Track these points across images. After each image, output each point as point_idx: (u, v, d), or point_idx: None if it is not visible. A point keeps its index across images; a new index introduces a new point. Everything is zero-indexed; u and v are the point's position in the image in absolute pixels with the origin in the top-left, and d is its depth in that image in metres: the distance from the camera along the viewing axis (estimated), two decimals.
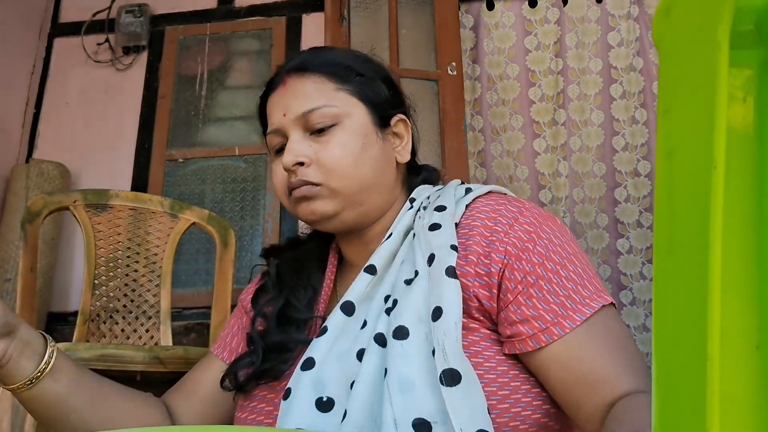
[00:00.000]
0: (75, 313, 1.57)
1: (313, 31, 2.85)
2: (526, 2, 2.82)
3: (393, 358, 0.63)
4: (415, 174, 0.87)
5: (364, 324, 0.70)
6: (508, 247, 0.70)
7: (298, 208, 0.78)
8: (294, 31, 2.91)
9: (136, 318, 1.63)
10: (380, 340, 0.66)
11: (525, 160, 2.71)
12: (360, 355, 0.67)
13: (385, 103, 0.83)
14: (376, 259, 0.74)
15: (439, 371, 0.60)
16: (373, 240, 0.81)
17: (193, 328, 2.53)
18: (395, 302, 0.68)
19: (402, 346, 0.63)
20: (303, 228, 0.92)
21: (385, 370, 0.63)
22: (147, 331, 1.63)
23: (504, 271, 0.69)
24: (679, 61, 0.29)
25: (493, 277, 0.69)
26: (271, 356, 0.77)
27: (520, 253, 0.69)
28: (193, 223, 1.68)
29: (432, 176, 0.88)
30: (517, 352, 0.67)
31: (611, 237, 2.61)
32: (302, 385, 0.66)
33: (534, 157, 2.71)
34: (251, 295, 0.88)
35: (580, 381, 0.64)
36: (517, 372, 0.68)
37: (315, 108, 0.77)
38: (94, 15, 3.03)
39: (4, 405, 1.25)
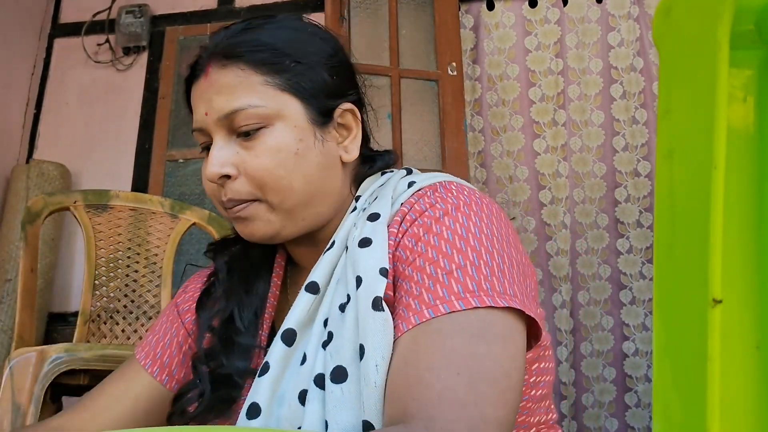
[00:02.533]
0: (75, 314, 1.57)
1: None
2: (527, 2, 2.81)
3: (332, 407, 0.56)
4: (367, 165, 0.75)
5: (304, 359, 0.62)
6: (404, 239, 0.61)
7: (236, 225, 0.69)
8: None
9: (137, 318, 1.63)
10: (320, 382, 0.59)
11: (525, 160, 2.70)
12: (302, 397, 0.60)
13: (328, 93, 0.69)
14: (317, 274, 0.65)
15: (360, 421, 0.54)
16: (323, 242, 0.71)
17: None
18: (330, 335, 0.60)
19: (341, 391, 0.56)
20: None
21: (326, 422, 0.56)
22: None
23: (396, 264, 0.61)
24: (679, 61, 0.29)
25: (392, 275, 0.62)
26: (219, 387, 0.68)
27: (415, 243, 0.60)
28: (194, 224, 1.68)
29: (387, 162, 0.76)
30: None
31: (611, 237, 2.61)
32: None
33: (534, 157, 2.71)
34: (193, 302, 0.78)
35: (399, 378, 0.54)
36: None
37: (239, 108, 0.65)
38: (94, 15, 3.03)
39: (4, 405, 1.25)
